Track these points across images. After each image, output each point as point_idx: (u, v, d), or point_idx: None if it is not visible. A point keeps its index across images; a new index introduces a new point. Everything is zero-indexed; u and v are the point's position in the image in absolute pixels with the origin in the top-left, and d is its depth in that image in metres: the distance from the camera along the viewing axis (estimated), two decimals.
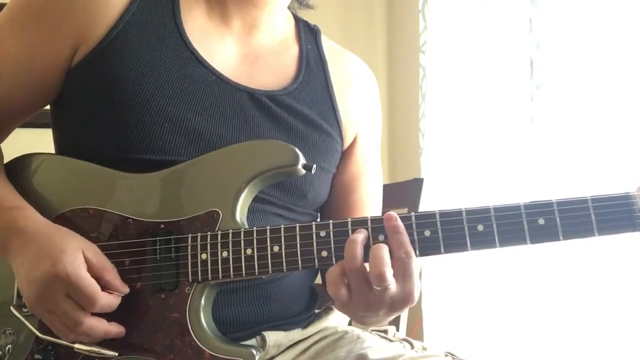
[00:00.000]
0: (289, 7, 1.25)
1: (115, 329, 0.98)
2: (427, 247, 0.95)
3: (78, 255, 0.96)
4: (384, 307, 0.95)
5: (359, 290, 0.93)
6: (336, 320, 1.23)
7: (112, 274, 0.98)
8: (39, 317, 0.99)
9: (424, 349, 1.17)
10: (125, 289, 0.99)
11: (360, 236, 0.94)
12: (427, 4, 2.60)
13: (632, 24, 2.02)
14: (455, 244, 0.94)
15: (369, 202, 1.26)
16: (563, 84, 2.23)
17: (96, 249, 1.00)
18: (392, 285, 0.92)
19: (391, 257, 0.92)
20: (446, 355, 1.10)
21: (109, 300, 0.97)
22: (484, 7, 2.45)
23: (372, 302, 0.94)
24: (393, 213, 0.95)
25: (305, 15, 1.30)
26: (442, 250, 0.95)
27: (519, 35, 2.36)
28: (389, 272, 0.91)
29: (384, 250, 0.92)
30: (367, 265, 0.93)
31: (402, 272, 0.93)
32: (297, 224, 0.98)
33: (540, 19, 2.34)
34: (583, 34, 2.15)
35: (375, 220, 0.96)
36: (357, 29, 2.96)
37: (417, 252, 0.95)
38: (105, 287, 0.97)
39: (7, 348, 1.03)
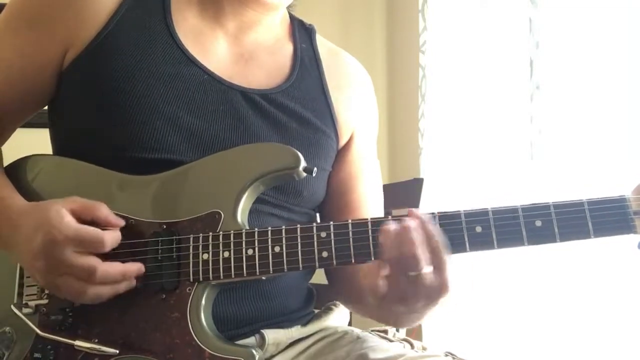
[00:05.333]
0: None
1: (132, 267, 0.98)
2: None
3: (63, 214, 0.96)
4: (421, 298, 0.94)
5: (395, 280, 0.92)
6: (336, 320, 1.24)
7: (102, 211, 0.99)
8: (52, 288, 0.99)
9: (424, 348, 1.17)
10: (121, 221, 1.00)
11: (392, 226, 0.93)
12: (427, 4, 2.60)
13: (632, 24, 2.02)
14: (454, 245, 0.95)
15: (367, 200, 1.26)
16: (562, 84, 2.23)
17: (76, 197, 1.00)
18: (427, 272, 0.92)
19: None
20: (446, 355, 1.10)
21: (115, 236, 0.98)
22: (483, 7, 2.45)
23: (407, 293, 0.94)
24: (415, 210, 0.94)
25: (305, 15, 1.30)
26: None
27: (519, 36, 2.36)
28: (422, 255, 0.91)
29: (414, 233, 0.91)
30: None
31: (437, 261, 0.92)
32: (298, 225, 0.99)
33: (540, 19, 2.34)
34: (582, 34, 2.15)
35: (375, 222, 0.97)
36: (357, 29, 2.96)
37: None
38: (101, 224, 0.98)
39: (7, 347, 1.03)
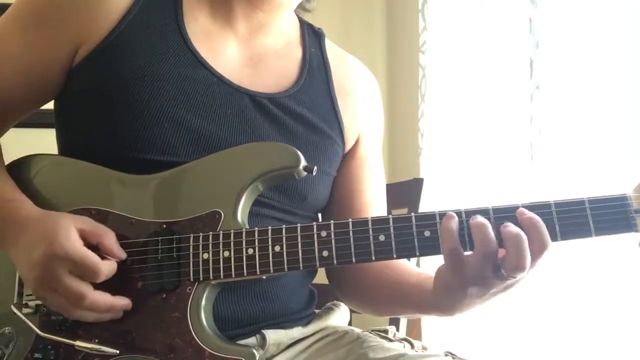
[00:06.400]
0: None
1: (120, 301, 0.99)
2: (426, 247, 0.95)
3: (71, 232, 0.97)
4: (501, 287, 0.95)
5: (481, 273, 0.93)
6: (336, 320, 1.24)
7: (109, 239, 0.99)
8: (43, 299, 0.99)
9: (424, 348, 1.17)
10: (123, 254, 1.00)
11: (486, 221, 0.93)
12: (427, 4, 2.59)
13: (632, 24, 2.02)
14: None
15: (374, 205, 1.27)
16: (562, 84, 2.23)
17: (88, 218, 1.01)
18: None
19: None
20: (446, 355, 1.10)
21: (112, 267, 0.98)
22: (483, 7, 2.45)
23: (489, 282, 0.94)
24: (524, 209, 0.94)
25: (306, 15, 1.30)
26: (442, 250, 0.95)
27: (519, 35, 2.36)
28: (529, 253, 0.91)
29: (526, 243, 0.91)
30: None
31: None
32: (299, 224, 0.99)
33: (540, 19, 2.34)
34: (582, 34, 2.15)
35: (375, 221, 0.97)
36: (357, 29, 2.96)
37: (417, 252, 0.95)
38: (103, 252, 0.98)
39: (7, 347, 1.03)
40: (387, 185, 1.35)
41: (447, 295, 1.01)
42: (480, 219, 0.93)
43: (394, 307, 1.24)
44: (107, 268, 0.97)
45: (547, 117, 2.29)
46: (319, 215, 1.25)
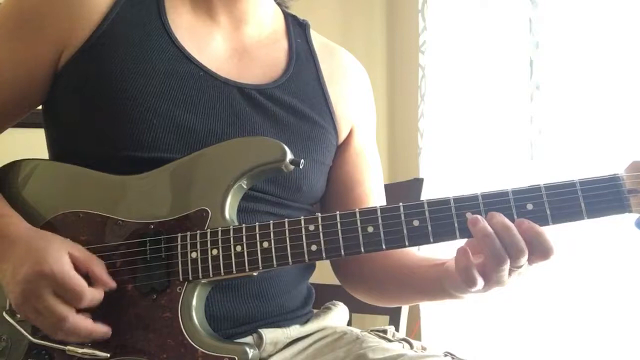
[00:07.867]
0: (279, 3, 1.25)
1: (100, 328, 0.98)
2: (416, 237, 0.95)
3: (62, 254, 0.96)
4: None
5: (494, 268, 0.93)
6: (335, 320, 1.23)
7: (99, 268, 0.98)
8: (25, 317, 0.98)
9: (424, 348, 1.16)
10: (113, 283, 0.99)
11: (479, 216, 0.93)
12: (427, 4, 2.59)
13: (632, 24, 2.01)
14: (443, 232, 0.94)
15: (373, 194, 1.26)
16: (562, 84, 2.23)
17: (80, 246, 1.00)
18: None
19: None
20: (445, 355, 1.09)
21: (96, 295, 0.97)
22: (483, 7, 2.45)
23: (507, 281, 0.95)
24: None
25: (305, 14, 1.30)
26: (431, 239, 0.95)
27: (519, 36, 2.36)
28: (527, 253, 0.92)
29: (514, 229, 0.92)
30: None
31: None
32: (286, 219, 0.98)
33: (540, 19, 2.34)
34: (582, 34, 2.15)
35: (363, 212, 0.97)
36: (357, 29, 2.95)
37: (407, 243, 0.95)
38: (93, 280, 0.97)
39: (1, 354, 1.02)
40: (387, 185, 1.35)
41: (459, 293, 1.02)
42: (474, 217, 0.93)
43: (400, 294, 1.24)
44: (91, 294, 0.96)
45: (547, 117, 2.29)
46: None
